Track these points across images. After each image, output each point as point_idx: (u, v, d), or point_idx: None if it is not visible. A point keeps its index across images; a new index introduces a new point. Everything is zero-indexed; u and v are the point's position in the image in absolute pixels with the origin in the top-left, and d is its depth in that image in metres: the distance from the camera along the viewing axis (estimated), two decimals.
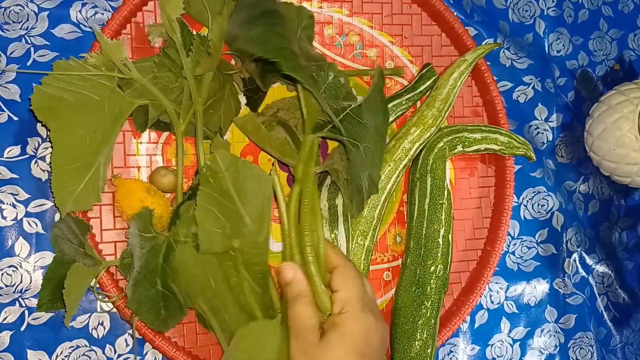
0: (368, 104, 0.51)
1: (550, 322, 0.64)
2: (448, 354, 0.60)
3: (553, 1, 0.66)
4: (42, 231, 0.51)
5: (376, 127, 0.51)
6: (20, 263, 0.50)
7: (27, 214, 0.51)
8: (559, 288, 0.64)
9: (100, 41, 0.47)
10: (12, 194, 0.50)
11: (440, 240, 0.55)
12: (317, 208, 0.47)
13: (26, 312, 0.50)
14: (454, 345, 0.60)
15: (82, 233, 0.48)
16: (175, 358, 0.50)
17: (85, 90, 0.46)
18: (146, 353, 0.53)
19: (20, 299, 0.50)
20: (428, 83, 0.58)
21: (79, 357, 0.51)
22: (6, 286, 0.50)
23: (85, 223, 0.49)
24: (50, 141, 0.44)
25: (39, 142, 0.51)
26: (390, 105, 0.57)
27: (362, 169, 0.50)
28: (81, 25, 0.53)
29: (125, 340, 0.52)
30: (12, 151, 0.50)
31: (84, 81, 0.46)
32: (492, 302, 0.62)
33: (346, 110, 0.49)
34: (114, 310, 0.51)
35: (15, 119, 0.51)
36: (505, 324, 0.62)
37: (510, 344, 0.62)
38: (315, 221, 0.46)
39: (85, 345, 0.51)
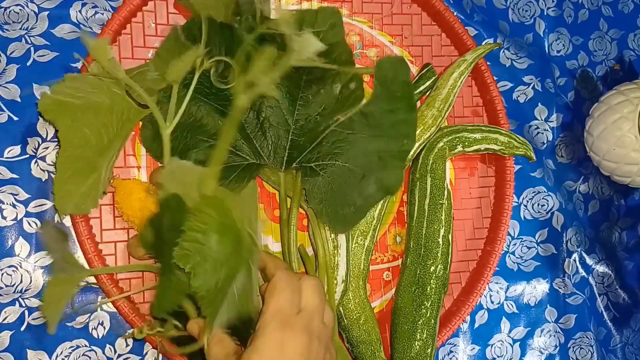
0: (377, 102, 0.50)
1: (550, 322, 0.64)
2: (448, 354, 0.60)
3: (553, 1, 0.66)
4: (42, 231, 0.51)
5: (393, 123, 0.50)
6: (20, 263, 0.50)
7: (27, 214, 0.51)
8: (559, 288, 0.64)
9: (85, 42, 0.46)
10: (12, 194, 0.50)
11: (440, 240, 0.55)
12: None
13: (26, 312, 0.50)
14: (454, 345, 0.60)
15: (62, 240, 0.47)
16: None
17: (94, 96, 0.45)
18: (146, 353, 0.53)
19: (20, 299, 0.50)
20: (428, 83, 0.58)
21: (79, 357, 0.51)
22: (6, 286, 0.50)
23: (63, 231, 0.48)
24: (54, 140, 0.44)
25: (39, 142, 0.51)
26: None
27: (351, 185, 0.50)
28: (81, 25, 0.53)
29: (125, 340, 0.52)
30: (12, 151, 0.50)
31: (94, 88, 0.46)
32: (492, 302, 0.62)
33: (330, 127, 0.50)
34: (114, 309, 0.51)
35: (15, 119, 0.51)
36: (505, 324, 0.62)
37: (510, 344, 0.62)
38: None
39: (85, 345, 0.51)
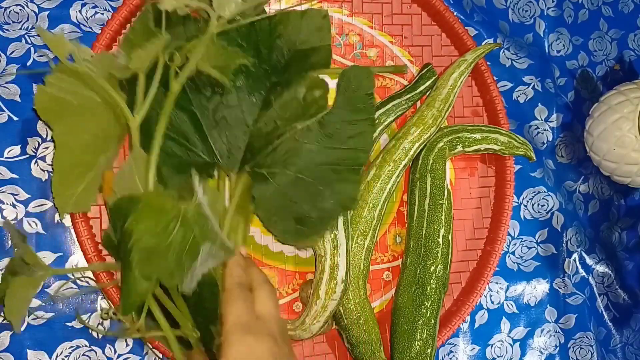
0: (338, 112, 0.49)
1: (550, 322, 0.64)
2: (448, 354, 0.60)
3: (553, 1, 0.66)
4: (42, 231, 0.51)
5: (352, 135, 0.49)
6: None
7: (27, 214, 0.51)
8: (559, 288, 0.64)
9: (41, 35, 0.44)
10: (12, 194, 0.50)
11: (440, 240, 0.55)
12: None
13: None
14: (454, 345, 0.60)
15: (21, 241, 0.46)
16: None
17: (89, 93, 0.45)
18: (146, 353, 0.53)
19: None
20: (428, 83, 0.58)
21: (79, 357, 0.51)
22: None
23: (20, 233, 0.47)
24: (53, 141, 0.44)
25: (39, 142, 0.51)
26: (390, 105, 0.57)
27: (304, 196, 0.48)
28: (81, 25, 0.53)
29: (125, 340, 0.52)
30: (12, 151, 0.50)
31: (88, 84, 0.45)
32: (492, 302, 0.62)
33: (285, 134, 0.48)
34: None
35: (15, 119, 0.51)
36: (505, 324, 0.62)
37: (510, 344, 0.62)
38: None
39: (85, 345, 0.51)
